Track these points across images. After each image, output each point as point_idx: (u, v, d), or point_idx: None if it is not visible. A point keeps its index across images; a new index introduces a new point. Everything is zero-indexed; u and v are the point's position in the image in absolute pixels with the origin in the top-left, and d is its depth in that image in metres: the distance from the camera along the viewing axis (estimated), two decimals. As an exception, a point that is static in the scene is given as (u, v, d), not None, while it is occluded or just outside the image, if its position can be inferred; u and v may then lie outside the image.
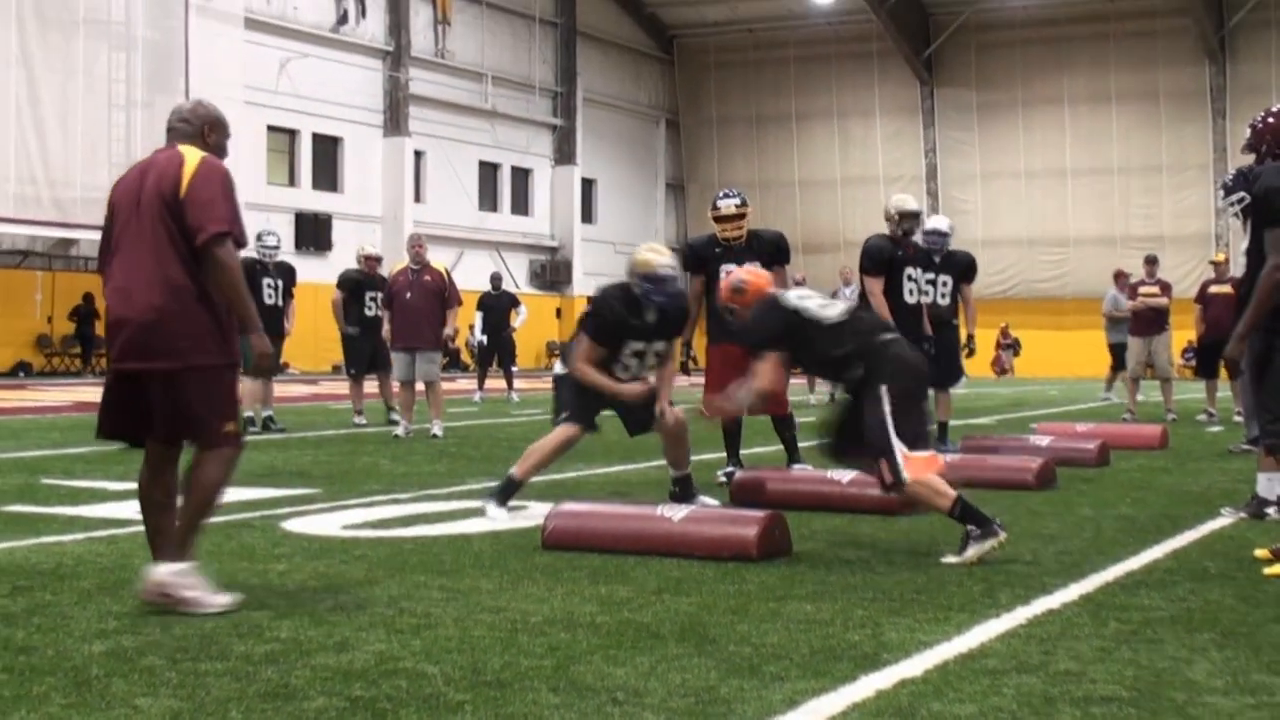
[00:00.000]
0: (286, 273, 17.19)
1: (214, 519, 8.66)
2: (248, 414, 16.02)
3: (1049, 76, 50.02)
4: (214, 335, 6.04)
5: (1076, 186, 49.82)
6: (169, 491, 6.20)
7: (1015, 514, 9.15)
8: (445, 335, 16.14)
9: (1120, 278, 22.76)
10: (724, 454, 11.54)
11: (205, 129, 6.32)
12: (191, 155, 6.14)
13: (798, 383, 23.25)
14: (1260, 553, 7.34)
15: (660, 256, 9.46)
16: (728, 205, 11.23)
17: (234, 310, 6.12)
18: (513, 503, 9.17)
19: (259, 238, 16.93)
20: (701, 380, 11.61)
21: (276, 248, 17.23)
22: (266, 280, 16.79)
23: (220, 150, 6.34)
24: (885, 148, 52.42)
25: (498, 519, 8.87)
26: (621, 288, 9.45)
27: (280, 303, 16.91)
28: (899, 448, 7.33)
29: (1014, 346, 49.49)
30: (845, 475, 9.57)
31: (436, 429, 15.89)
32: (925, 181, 51.43)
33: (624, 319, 9.28)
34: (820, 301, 7.99)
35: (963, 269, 13.37)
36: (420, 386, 16.34)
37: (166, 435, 6.09)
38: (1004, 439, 13.90)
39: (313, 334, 32.74)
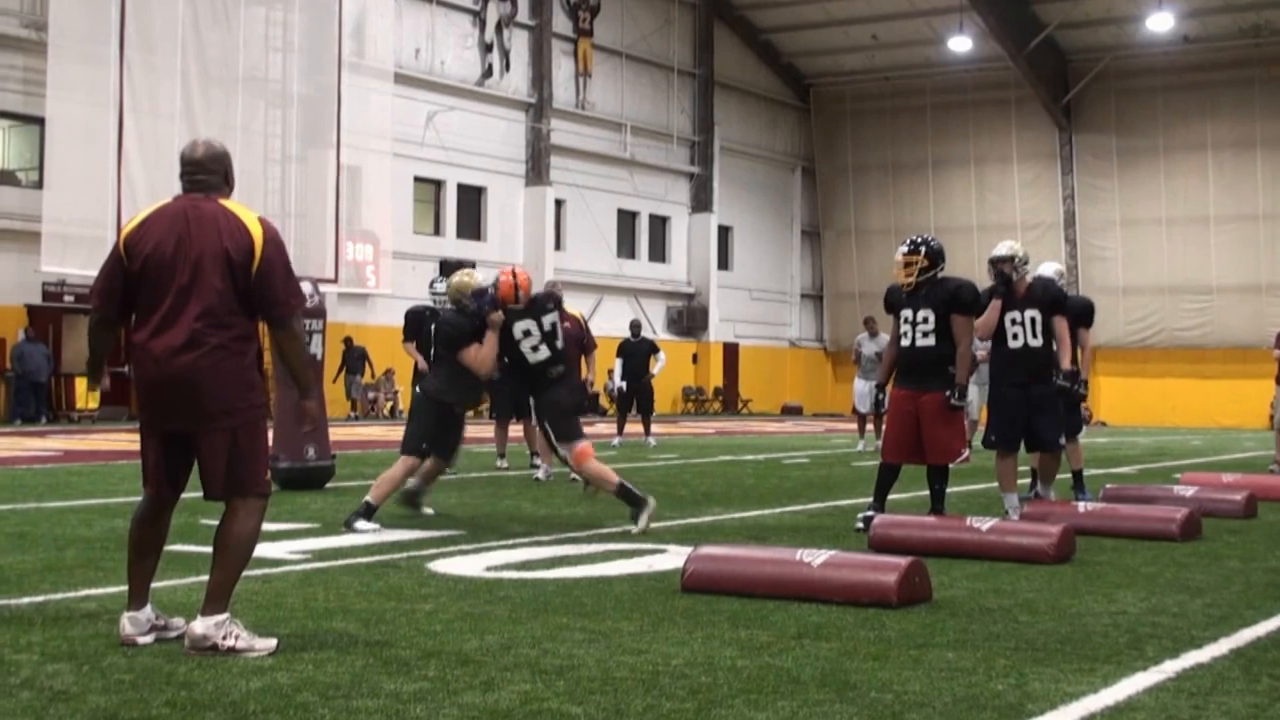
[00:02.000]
0: None
1: (363, 559, 8.90)
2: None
3: (1191, 122, 49.34)
4: (255, 387, 6.14)
5: (1219, 233, 49.02)
6: (162, 538, 6.33)
7: (1160, 565, 9.08)
8: (585, 380, 16.31)
9: None
10: (867, 499, 11.50)
11: (226, 173, 6.32)
12: (249, 219, 6.12)
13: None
14: None
15: (474, 277, 11.55)
16: (898, 253, 11.20)
17: (296, 376, 6.35)
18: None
19: (430, 285, 17.25)
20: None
21: (442, 295, 17.35)
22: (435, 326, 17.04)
23: (233, 184, 6.37)
24: (1022, 194, 51.98)
25: (365, 531, 10.43)
26: (453, 313, 11.38)
27: None
28: None
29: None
30: (985, 523, 9.54)
31: (541, 474, 16.06)
32: (1063, 228, 50.92)
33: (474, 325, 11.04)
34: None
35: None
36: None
37: (221, 494, 6.11)
38: (1147, 489, 13.67)
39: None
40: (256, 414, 6.15)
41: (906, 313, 10.95)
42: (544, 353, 11.07)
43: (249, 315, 6.12)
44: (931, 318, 10.80)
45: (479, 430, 20.77)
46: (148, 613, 6.16)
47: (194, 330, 5.98)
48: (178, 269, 6.01)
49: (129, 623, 6.10)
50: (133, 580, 6.22)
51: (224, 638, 5.90)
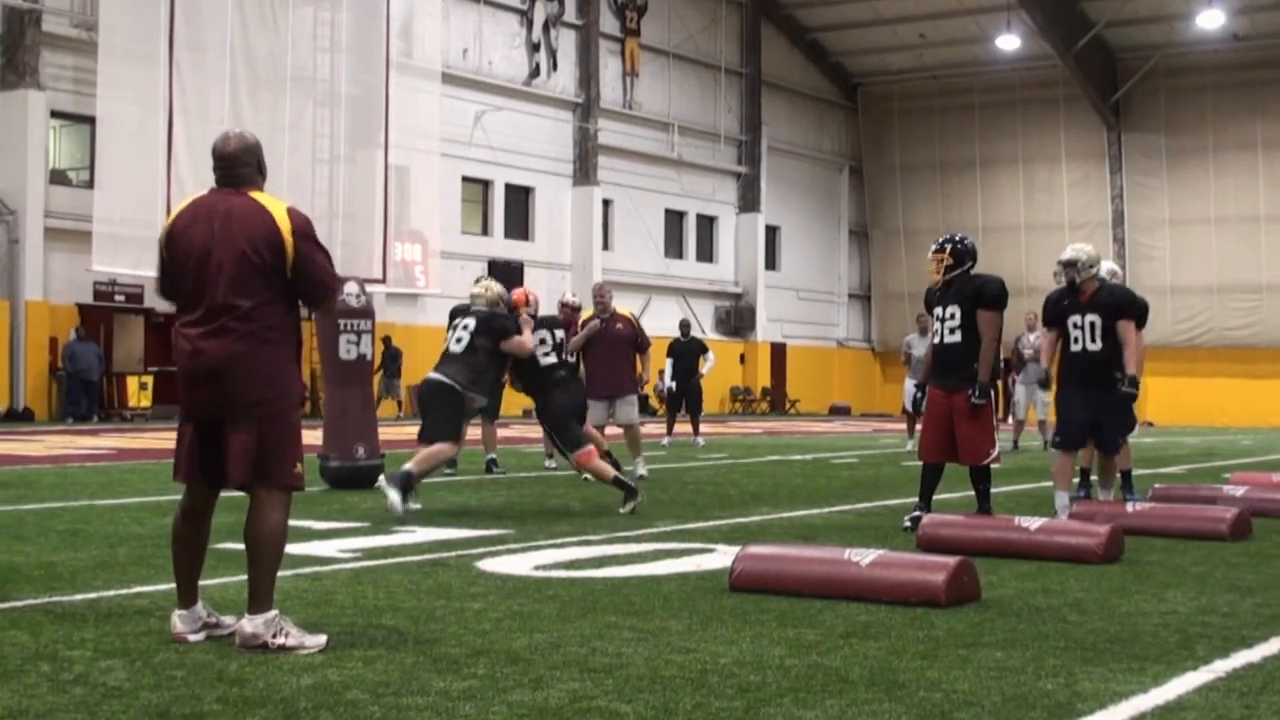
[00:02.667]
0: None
1: (412, 557, 8.94)
2: (490, 456, 16.61)
3: (1240, 120, 49.04)
4: (288, 379, 6.20)
5: (1270, 232, 48.72)
6: (205, 534, 6.38)
7: (1209, 565, 9.03)
8: (640, 379, 16.42)
9: None
10: (913, 499, 11.50)
11: (259, 165, 6.39)
12: (277, 210, 6.19)
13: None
14: None
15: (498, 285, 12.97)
16: (929, 253, 11.27)
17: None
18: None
19: (476, 281, 17.36)
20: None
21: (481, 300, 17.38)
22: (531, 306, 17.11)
23: (265, 174, 6.42)
24: (1071, 193, 51.76)
25: (396, 504, 10.99)
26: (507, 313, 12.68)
27: None
28: None
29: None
30: (1033, 523, 9.51)
31: (641, 469, 16.22)
32: (1111, 227, 50.67)
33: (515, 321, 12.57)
34: None
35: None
36: (615, 430, 16.74)
37: (245, 478, 6.14)
38: (1196, 488, 13.59)
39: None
40: (287, 405, 6.19)
41: (937, 310, 11.09)
42: (552, 358, 12.96)
43: (283, 306, 6.19)
44: (958, 314, 10.88)
45: (528, 430, 20.85)
46: (198, 610, 6.21)
47: (224, 322, 6.07)
48: (209, 262, 6.11)
49: (179, 620, 6.16)
50: (179, 579, 6.28)
51: (274, 635, 5.94)
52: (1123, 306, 11.71)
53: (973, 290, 10.90)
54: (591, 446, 12.62)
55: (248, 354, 6.06)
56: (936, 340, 11.08)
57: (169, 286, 6.33)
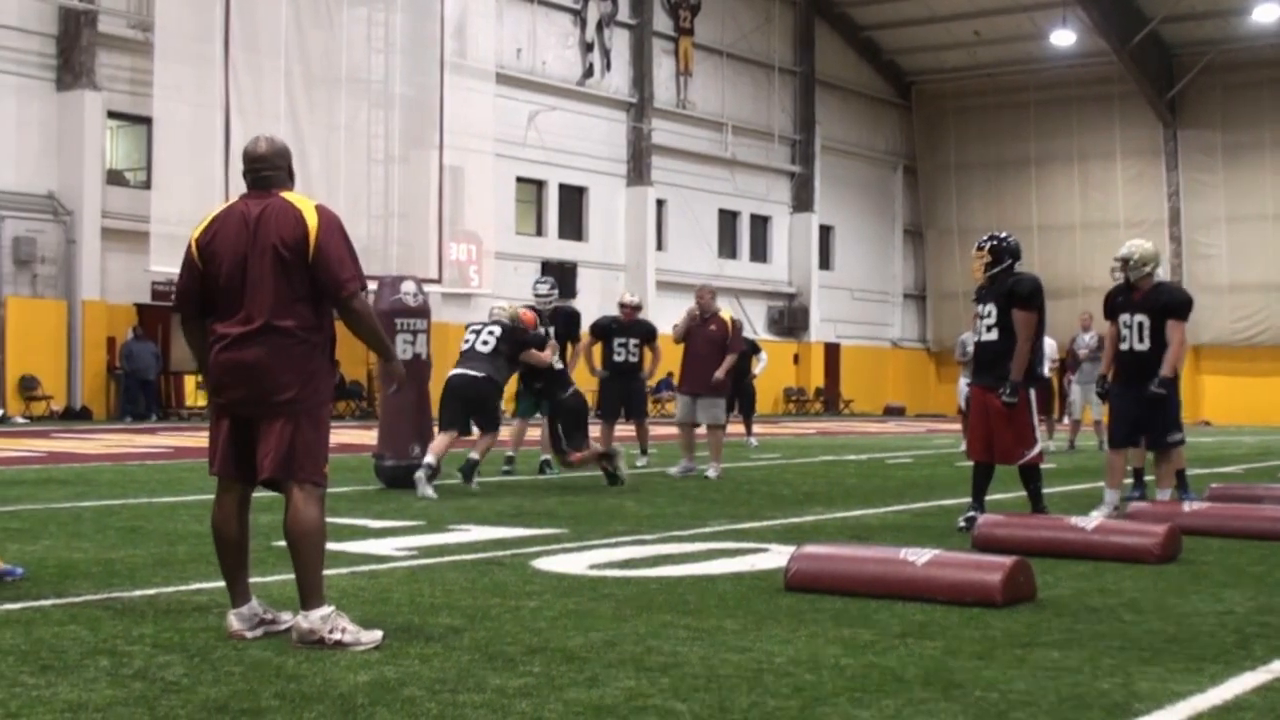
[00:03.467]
0: (564, 318, 17.40)
1: (468, 556, 8.97)
2: (509, 454, 16.76)
3: (1301, 115, 48.65)
4: (321, 378, 6.27)
5: (1331, 229, 48.31)
6: (245, 531, 6.42)
7: (1267, 564, 8.97)
8: (715, 379, 16.52)
9: None
10: (966, 499, 11.47)
11: (289, 168, 6.47)
12: (306, 208, 6.25)
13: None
14: None
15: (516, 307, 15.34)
16: (974, 250, 11.29)
17: (371, 346, 6.47)
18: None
19: (534, 286, 17.51)
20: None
21: (545, 296, 17.41)
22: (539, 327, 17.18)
23: (294, 178, 6.49)
24: (1126, 191, 51.39)
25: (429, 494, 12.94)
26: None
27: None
28: None
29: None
30: (1089, 522, 9.47)
31: (710, 471, 16.40)
32: (1168, 226, 50.27)
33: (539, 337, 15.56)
34: None
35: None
36: (701, 430, 17.14)
37: (274, 474, 6.21)
38: (1254, 488, 13.50)
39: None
40: (318, 401, 6.27)
41: (978, 308, 11.18)
42: (559, 364, 15.48)
43: (316, 305, 6.24)
44: (994, 312, 10.91)
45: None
46: (253, 607, 6.26)
47: (258, 322, 6.16)
48: (241, 264, 6.19)
49: (235, 619, 6.21)
50: (228, 578, 6.34)
51: (330, 631, 5.98)
52: (1170, 309, 11.67)
53: (1007, 288, 10.90)
54: (588, 451, 15.01)
55: (282, 353, 6.15)
56: (977, 338, 11.14)
57: (194, 293, 6.35)
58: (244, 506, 6.42)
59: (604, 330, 18.35)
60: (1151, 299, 11.67)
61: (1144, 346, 11.56)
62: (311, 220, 6.20)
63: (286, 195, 6.32)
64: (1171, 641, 6.36)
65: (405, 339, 14.39)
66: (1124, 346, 11.70)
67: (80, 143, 31.65)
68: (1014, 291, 10.86)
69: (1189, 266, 49.60)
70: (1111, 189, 51.69)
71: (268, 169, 6.38)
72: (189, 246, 6.39)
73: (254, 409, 6.19)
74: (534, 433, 17.02)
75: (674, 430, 17.78)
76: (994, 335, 10.88)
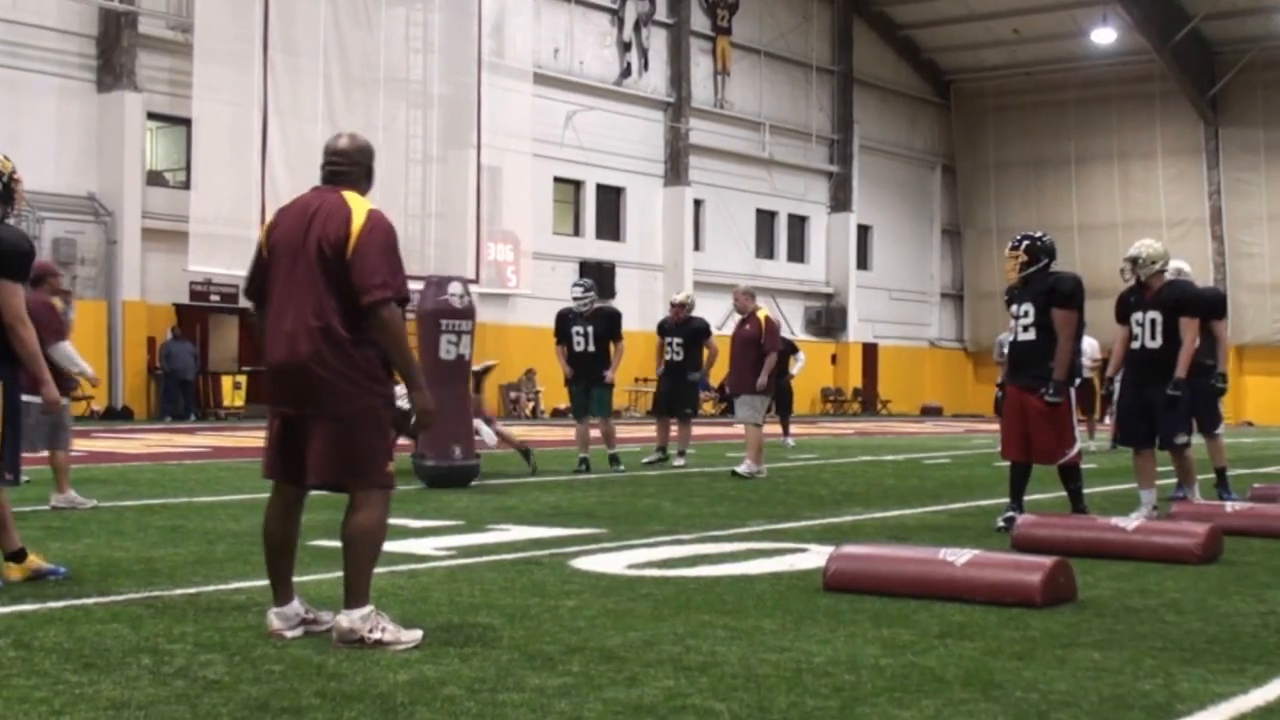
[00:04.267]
0: (605, 319, 17.39)
1: (507, 555, 8.99)
2: (582, 455, 16.99)
3: (1344, 112, 48.35)
4: (376, 379, 6.13)
5: (1373, 227, 47.99)
6: (295, 534, 6.39)
7: (1311, 566, 8.91)
8: (759, 382, 16.58)
9: None
10: (1004, 499, 11.42)
11: (369, 169, 6.38)
12: (358, 208, 6.14)
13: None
14: None
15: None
16: (1007, 249, 11.24)
17: (397, 367, 6.18)
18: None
19: (572, 286, 17.64)
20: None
21: (581, 298, 17.41)
22: (576, 329, 17.19)
23: (372, 181, 6.39)
24: (1167, 190, 51.12)
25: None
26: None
27: (591, 348, 17.20)
28: None
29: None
30: (1129, 522, 9.42)
31: (742, 468, 16.53)
32: (1209, 224, 50.02)
33: None
34: None
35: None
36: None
37: (328, 479, 6.16)
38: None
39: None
40: (371, 404, 6.12)
41: (1014, 308, 11.09)
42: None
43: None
44: (1031, 311, 10.85)
45: (624, 430, 20.85)
46: (295, 607, 6.26)
47: (307, 319, 6.06)
48: (296, 259, 6.12)
49: (275, 618, 6.21)
50: (272, 577, 6.33)
51: (370, 630, 5.98)
52: (1183, 304, 11.60)
53: (1046, 287, 10.85)
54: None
55: (330, 353, 6.04)
56: (1013, 338, 11.09)
57: (258, 282, 6.33)
58: (293, 508, 6.37)
59: (660, 329, 19.19)
60: (1164, 296, 11.62)
61: (1156, 344, 11.51)
62: (358, 221, 6.09)
63: (347, 193, 6.21)
64: (1213, 642, 6.32)
65: (449, 340, 14.40)
66: (1135, 345, 11.66)
67: (120, 144, 31.82)
68: (1055, 290, 10.82)
69: (1231, 265, 49.32)
70: (1152, 188, 51.41)
71: (344, 165, 6.31)
72: (260, 236, 6.39)
73: (308, 409, 6.09)
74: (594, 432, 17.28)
75: (712, 430, 18.00)
76: (1031, 335, 10.83)
